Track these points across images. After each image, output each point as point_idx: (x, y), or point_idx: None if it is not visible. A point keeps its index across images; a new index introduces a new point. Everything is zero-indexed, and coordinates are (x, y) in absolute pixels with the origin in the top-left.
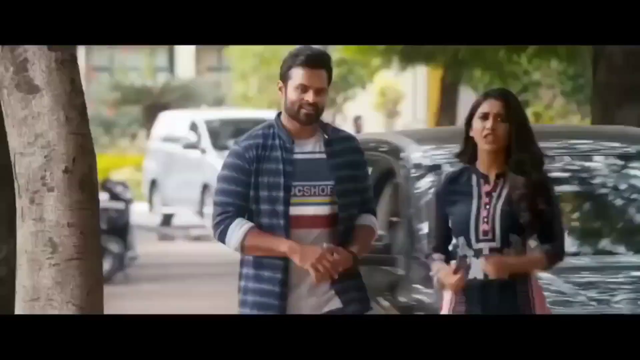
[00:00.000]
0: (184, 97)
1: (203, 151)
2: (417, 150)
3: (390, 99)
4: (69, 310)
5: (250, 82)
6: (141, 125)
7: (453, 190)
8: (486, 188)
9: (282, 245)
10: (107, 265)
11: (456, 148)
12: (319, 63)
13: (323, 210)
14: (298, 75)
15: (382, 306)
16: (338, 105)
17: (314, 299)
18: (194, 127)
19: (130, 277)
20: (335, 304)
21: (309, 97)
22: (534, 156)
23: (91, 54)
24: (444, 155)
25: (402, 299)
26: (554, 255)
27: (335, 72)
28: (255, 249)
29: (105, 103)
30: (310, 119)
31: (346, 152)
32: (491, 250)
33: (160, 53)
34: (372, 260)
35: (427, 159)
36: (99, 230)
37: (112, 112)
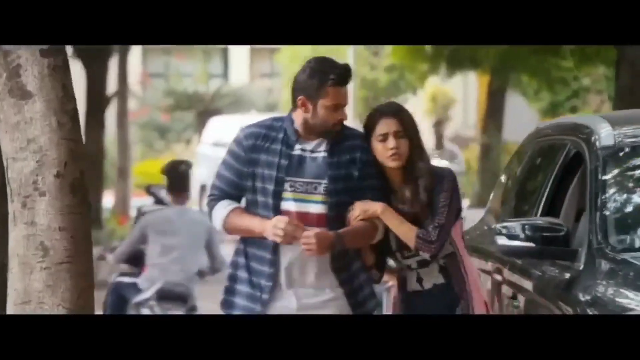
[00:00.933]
0: (236, 103)
1: None
2: (610, 132)
3: (441, 105)
4: (59, 312)
5: None
6: (195, 130)
7: None
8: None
9: (256, 226)
10: None
11: None
12: (349, 80)
13: (315, 208)
14: (333, 94)
15: (557, 307)
16: None
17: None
18: None
19: None
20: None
21: (343, 115)
22: (429, 165)
23: (147, 60)
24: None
25: (582, 297)
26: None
27: (386, 77)
28: (236, 230)
29: (159, 108)
30: (339, 133)
31: (347, 151)
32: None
33: (214, 59)
34: (549, 253)
35: (620, 141)
36: (90, 234)
37: (166, 118)
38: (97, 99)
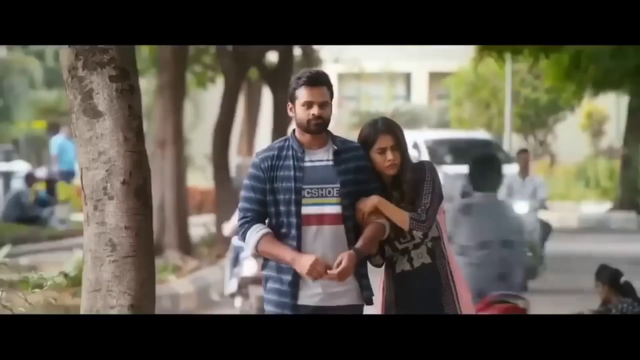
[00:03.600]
0: (412, 121)
1: None
2: None
3: (595, 120)
4: (125, 299)
5: (465, 107)
6: None
7: None
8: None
9: (287, 256)
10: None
11: None
12: (319, 81)
13: (330, 209)
14: (302, 94)
15: None
16: (549, 126)
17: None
18: (415, 145)
19: None
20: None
21: (315, 111)
22: (412, 166)
23: (341, 85)
24: None
25: None
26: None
27: (546, 97)
28: (267, 254)
29: (349, 127)
30: (319, 128)
31: (351, 159)
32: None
33: (399, 83)
34: None
35: None
36: (152, 232)
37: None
38: (284, 122)
